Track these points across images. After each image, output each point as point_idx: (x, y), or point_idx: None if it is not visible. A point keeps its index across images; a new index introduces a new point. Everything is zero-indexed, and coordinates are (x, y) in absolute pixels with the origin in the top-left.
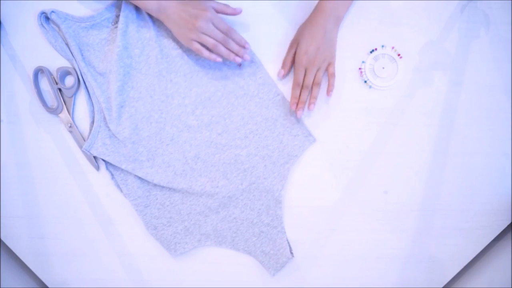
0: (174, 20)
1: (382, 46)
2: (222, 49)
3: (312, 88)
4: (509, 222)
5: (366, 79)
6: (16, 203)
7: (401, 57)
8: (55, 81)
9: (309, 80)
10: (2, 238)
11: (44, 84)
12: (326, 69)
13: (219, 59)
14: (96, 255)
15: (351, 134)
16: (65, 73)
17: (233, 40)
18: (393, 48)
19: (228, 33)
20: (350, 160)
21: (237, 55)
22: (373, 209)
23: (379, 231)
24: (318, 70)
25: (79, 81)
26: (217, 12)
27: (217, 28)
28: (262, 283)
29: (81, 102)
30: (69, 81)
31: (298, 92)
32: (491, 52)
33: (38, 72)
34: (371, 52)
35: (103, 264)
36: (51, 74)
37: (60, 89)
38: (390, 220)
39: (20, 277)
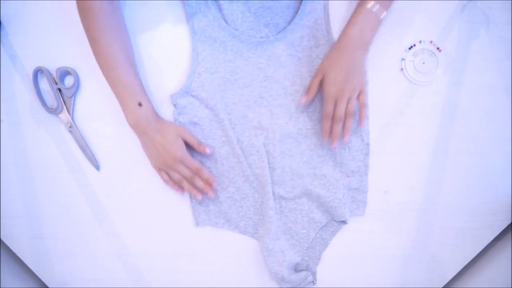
0: (147, 145)
1: (420, 41)
2: (186, 185)
3: (345, 120)
4: (509, 222)
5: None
6: (16, 203)
7: (440, 51)
8: (55, 81)
9: (341, 111)
10: (2, 238)
11: (44, 84)
12: (357, 98)
13: (181, 192)
14: (96, 255)
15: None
16: (64, 73)
17: (201, 177)
18: (431, 42)
19: (197, 172)
20: None
21: (200, 192)
22: (373, 209)
23: (379, 231)
24: (349, 100)
25: (79, 81)
26: (189, 145)
27: (187, 167)
28: (262, 283)
29: (81, 102)
30: (69, 81)
31: (328, 124)
32: (491, 52)
33: (38, 72)
34: (409, 48)
35: (103, 264)
36: (50, 74)
37: (59, 89)
38: (390, 220)
39: (20, 277)
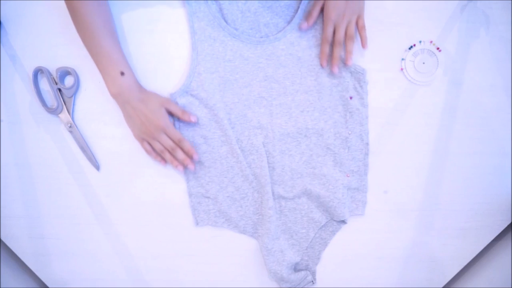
0: (130, 115)
1: (420, 41)
2: (167, 156)
3: (346, 43)
4: (509, 222)
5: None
6: (16, 203)
7: (440, 51)
8: (55, 81)
9: (341, 35)
10: (2, 238)
11: (44, 84)
12: (356, 23)
13: (164, 163)
14: (96, 255)
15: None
16: (64, 73)
17: (183, 149)
18: (431, 42)
19: (179, 142)
20: None
21: (181, 164)
22: (373, 209)
23: (379, 231)
24: (348, 24)
25: (79, 81)
26: (172, 115)
27: (169, 137)
28: (261, 283)
29: (81, 102)
30: (69, 81)
31: (327, 48)
32: (491, 52)
33: (38, 72)
34: (409, 48)
35: (103, 264)
36: (50, 74)
37: (60, 89)
38: (390, 220)
39: (20, 277)
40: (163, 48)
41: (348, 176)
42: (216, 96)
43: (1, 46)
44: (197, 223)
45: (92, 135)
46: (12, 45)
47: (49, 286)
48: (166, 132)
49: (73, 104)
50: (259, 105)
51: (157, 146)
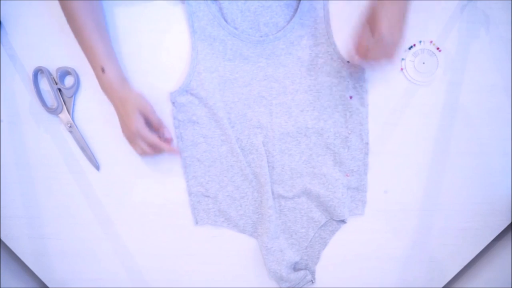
0: (116, 113)
1: (420, 41)
2: (150, 154)
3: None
4: (509, 222)
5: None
6: (16, 203)
7: (440, 51)
8: (55, 81)
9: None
10: (2, 238)
11: (44, 84)
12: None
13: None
14: (96, 255)
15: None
16: (64, 73)
17: (163, 150)
18: (431, 42)
19: (155, 147)
20: None
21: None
22: (373, 209)
23: (379, 231)
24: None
25: (79, 81)
26: (149, 121)
27: (145, 140)
28: (261, 282)
29: (81, 102)
30: (69, 81)
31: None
32: (491, 52)
33: (38, 72)
34: (409, 48)
35: (103, 264)
36: (50, 74)
37: (60, 89)
38: (390, 220)
39: (20, 277)
40: (163, 48)
41: (347, 176)
42: (216, 95)
43: (1, 46)
44: (196, 222)
45: (92, 135)
46: (12, 45)
47: (49, 286)
48: (141, 137)
49: (73, 104)
50: (259, 104)
51: (136, 150)
